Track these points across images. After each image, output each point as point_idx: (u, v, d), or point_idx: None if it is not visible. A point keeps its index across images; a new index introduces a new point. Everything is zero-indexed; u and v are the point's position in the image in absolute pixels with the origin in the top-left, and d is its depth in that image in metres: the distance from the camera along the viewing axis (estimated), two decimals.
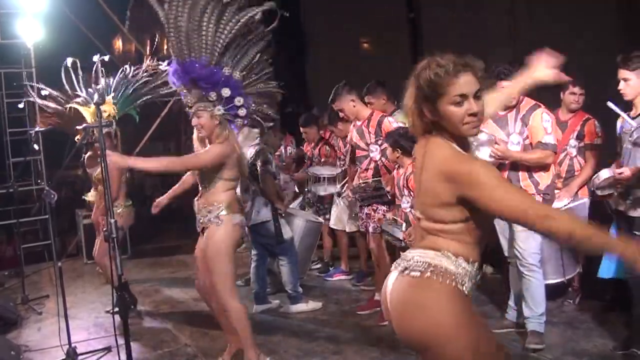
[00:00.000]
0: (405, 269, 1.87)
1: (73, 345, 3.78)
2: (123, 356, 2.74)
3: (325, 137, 6.01)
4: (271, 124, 3.85)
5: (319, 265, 5.95)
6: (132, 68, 5.05)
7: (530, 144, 3.56)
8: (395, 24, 7.02)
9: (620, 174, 3.18)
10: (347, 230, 5.40)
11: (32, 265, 6.81)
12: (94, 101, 3.47)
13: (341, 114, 4.67)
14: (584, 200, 4.15)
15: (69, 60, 4.85)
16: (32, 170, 7.60)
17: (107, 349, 4.01)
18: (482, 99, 1.83)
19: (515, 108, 3.62)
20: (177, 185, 3.95)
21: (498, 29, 5.67)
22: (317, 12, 7.90)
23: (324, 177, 5.48)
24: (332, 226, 5.65)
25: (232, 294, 3.39)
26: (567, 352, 3.53)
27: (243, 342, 3.47)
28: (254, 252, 4.77)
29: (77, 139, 4.77)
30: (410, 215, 3.91)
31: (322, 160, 5.92)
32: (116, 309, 3.21)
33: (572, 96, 4.21)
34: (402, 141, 3.99)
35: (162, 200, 4.01)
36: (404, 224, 3.94)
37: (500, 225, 3.69)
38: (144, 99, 5.04)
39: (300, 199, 5.95)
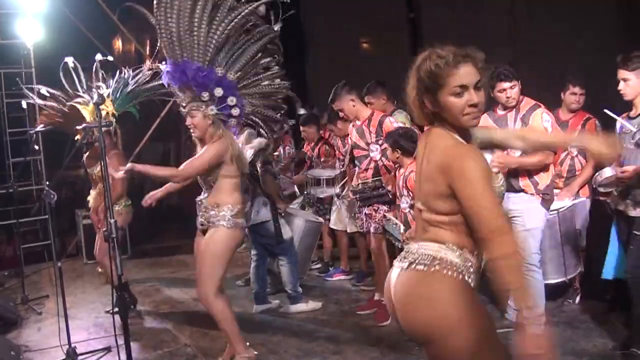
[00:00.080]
0: (410, 262, 1.87)
1: (73, 345, 3.78)
2: (123, 356, 2.74)
3: (325, 137, 6.01)
4: (283, 128, 3.87)
5: (318, 265, 5.95)
6: (132, 69, 5.06)
7: None
8: (395, 24, 7.02)
9: (623, 172, 3.18)
10: (349, 230, 5.39)
11: (32, 265, 6.81)
12: (94, 101, 3.47)
13: (341, 114, 4.67)
14: (584, 199, 4.15)
15: (69, 60, 4.86)
16: (32, 170, 7.60)
17: (107, 349, 4.01)
18: (482, 90, 1.83)
19: (515, 108, 3.62)
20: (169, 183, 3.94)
21: (498, 29, 5.67)
22: (317, 12, 7.89)
23: (323, 179, 5.47)
24: (332, 226, 5.65)
25: (216, 294, 3.39)
26: (567, 352, 3.53)
27: (230, 337, 3.49)
28: (253, 252, 4.77)
29: (77, 139, 4.77)
30: (409, 216, 3.91)
31: (322, 160, 5.92)
32: (116, 309, 3.22)
33: (573, 96, 4.22)
34: (402, 141, 4.00)
35: (156, 193, 3.95)
36: (402, 226, 3.94)
37: None
38: (144, 95, 5.04)
39: (301, 199, 5.95)
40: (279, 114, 3.77)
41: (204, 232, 3.48)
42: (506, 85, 3.54)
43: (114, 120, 4.80)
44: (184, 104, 3.44)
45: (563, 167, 4.27)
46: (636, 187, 3.17)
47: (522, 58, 4.89)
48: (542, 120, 3.54)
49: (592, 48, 4.49)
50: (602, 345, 3.57)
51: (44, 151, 7.11)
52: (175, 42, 3.35)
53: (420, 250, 1.86)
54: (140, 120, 5.49)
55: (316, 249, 5.73)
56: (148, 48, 8.77)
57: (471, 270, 1.85)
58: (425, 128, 1.99)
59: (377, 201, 4.33)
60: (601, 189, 3.45)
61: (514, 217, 3.58)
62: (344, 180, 5.36)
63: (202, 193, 3.57)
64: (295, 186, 6.22)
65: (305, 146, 6.19)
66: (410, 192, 3.95)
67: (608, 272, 3.55)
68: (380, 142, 4.34)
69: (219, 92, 3.39)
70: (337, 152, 5.73)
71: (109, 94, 4.79)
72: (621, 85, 3.27)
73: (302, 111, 5.48)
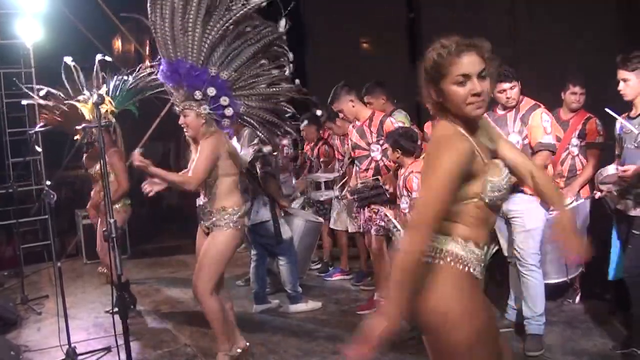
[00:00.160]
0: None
1: (73, 345, 3.78)
2: (123, 356, 2.74)
3: (324, 137, 6.01)
4: (288, 133, 3.86)
5: (318, 265, 5.95)
6: (131, 69, 5.07)
7: (530, 144, 3.56)
8: (395, 24, 7.02)
9: (624, 171, 3.18)
10: (350, 230, 5.39)
11: (32, 265, 6.82)
12: (94, 101, 3.47)
13: (341, 115, 4.66)
14: (584, 200, 4.15)
15: (68, 59, 4.86)
16: (32, 170, 7.60)
17: (107, 349, 4.01)
18: (488, 80, 1.82)
19: (514, 108, 3.62)
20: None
21: (498, 29, 5.66)
22: (317, 12, 7.89)
23: (322, 182, 5.47)
24: (332, 226, 5.65)
25: (212, 293, 3.41)
26: (567, 351, 3.53)
27: (217, 335, 3.50)
28: (253, 252, 4.77)
29: (77, 139, 4.77)
30: (408, 217, 3.90)
31: (321, 160, 5.93)
32: (116, 309, 3.22)
33: (573, 96, 4.21)
34: (402, 141, 4.00)
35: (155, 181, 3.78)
36: (402, 230, 3.92)
37: (498, 226, 3.69)
38: (143, 93, 5.05)
39: (301, 199, 5.95)
40: (282, 118, 3.76)
41: (207, 233, 3.49)
42: (506, 85, 3.54)
43: (113, 118, 4.80)
44: (177, 103, 3.44)
45: (564, 167, 4.26)
46: (636, 186, 3.17)
47: (522, 58, 4.88)
48: (542, 120, 3.54)
49: (592, 48, 4.49)
50: (602, 345, 3.57)
51: (43, 151, 7.12)
52: (169, 41, 3.36)
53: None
54: (140, 120, 5.49)
55: (316, 249, 5.73)
56: (147, 48, 8.78)
57: (477, 262, 1.85)
58: (427, 124, 2.03)
59: (375, 201, 4.32)
60: (603, 187, 3.45)
61: (513, 217, 3.58)
62: (343, 181, 5.36)
63: (202, 197, 3.54)
64: (293, 186, 6.21)
65: (305, 146, 6.19)
66: (410, 192, 3.94)
67: (612, 272, 3.54)
68: (381, 142, 4.34)
69: (211, 91, 3.40)
70: (336, 152, 5.74)
71: (107, 92, 4.80)
72: (621, 86, 3.27)
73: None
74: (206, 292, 3.38)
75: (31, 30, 6.88)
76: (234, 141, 4.53)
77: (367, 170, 4.42)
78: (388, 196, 4.26)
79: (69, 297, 4.36)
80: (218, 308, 3.43)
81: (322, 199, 5.52)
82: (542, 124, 3.53)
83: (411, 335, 3.82)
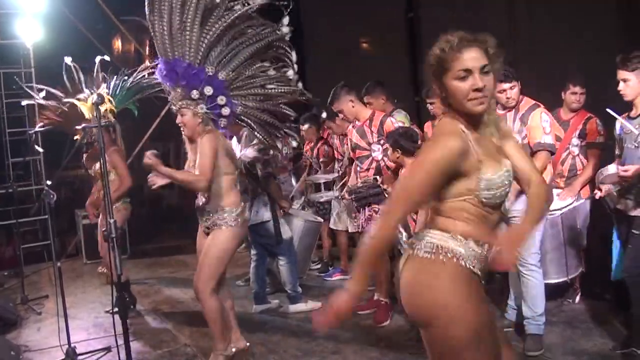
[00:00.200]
0: (417, 249, 1.89)
1: (73, 345, 3.79)
2: (123, 356, 2.74)
3: (324, 137, 6.01)
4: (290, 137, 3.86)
5: (318, 265, 5.95)
6: (131, 70, 5.08)
7: (529, 144, 3.56)
8: (395, 24, 7.01)
9: (625, 171, 3.18)
10: (350, 230, 5.39)
11: (32, 265, 6.82)
12: (93, 101, 3.47)
13: (341, 115, 4.66)
14: (585, 200, 4.15)
15: (68, 60, 4.86)
16: (32, 170, 7.61)
17: (107, 349, 4.01)
18: (491, 75, 1.81)
19: (514, 108, 3.62)
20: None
21: (498, 29, 5.65)
22: (318, 12, 7.89)
23: (322, 184, 5.46)
24: (332, 226, 5.65)
25: (212, 292, 3.42)
26: (567, 351, 3.53)
27: (214, 334, 3.51)
28: (253, 252, 4.77)
29: (76, 139, 4.77)
30: (408, 218, 3.89)
31: (321, 160, 5.92)
32: (116, 309, 3.22)
33: (573, 96, 4.22)
34: (402, 141, 3.99)
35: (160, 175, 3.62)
36: (404, 233, 3.90)
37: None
38: (143, 92, 5.05)
39: (302, 200, 5.95)
40: (281, 120, 3.75)
41: (208, 233, 3.49)
42: (506, 86, 3.54)
43: (113, 117, 4.81)
44: (174, 102, 3.45)
45: (564, 167, 4.26)
46: (637, 186, 3.17)
47: (522, 58, 4.88)
48: (541, 120, 3.54)
49: (592, 48, 4.48)
50: (602, 345, 3.57)
51: (43, 151, 7.11)
52: (167, 40, 3.37)
53: (426, 238, 1.87)
54: (140, 119, 5.50)
55: (316, 249, 5.73)
56: (147, 48, 8.77)
57: (477, 260, 1.85)
58: (427, 124, 2.03)
59: (373, 200, 4.31)
60: (603, 187, 3.44)
61: (513, 217, 3.57)
62: (343, 181, 5.36)
63: (199, 198, 3.53)
64: (293, 185, 6.21)
65: (305, 146, 6.19)
66: None
67: (616, 273, 3.54)
68: (382, 142, 4.34)
69: (208, 90, 3.40)
70: (335, 152, 5.73)
71: (107, 91, 4.80)
72: (621, 86, 3.27)
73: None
74: (207, 292, 3.39)
75: (31, 30, 6.88)
76: (234, 141, 4.54)
77: (368, 170, 4.41)
78: (386, 196, 4.25)
79: (69, 297, 4.36)
80: (217, 308, 3.44)
81: (322, 200, 5.52)
82: (542, 124, 3.53)
83: (411, 335, 3.84)
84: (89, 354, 3.97)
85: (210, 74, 3.41)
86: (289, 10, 3.60)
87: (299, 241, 5.09)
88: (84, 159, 5.06)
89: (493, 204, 1.85)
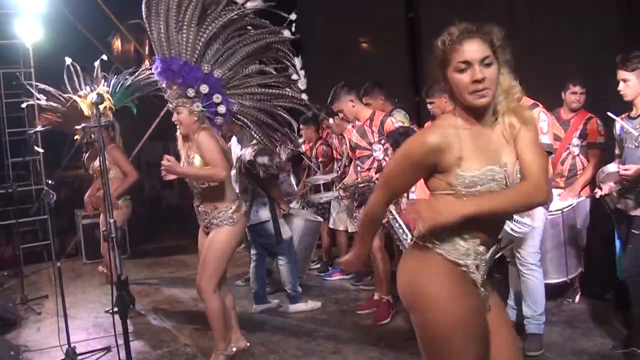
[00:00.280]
0: (415, 238, 1.93)
1: (72, 345, 3.78)
2: (123, 356, 2.73)
3: (323, 137, 6.01)
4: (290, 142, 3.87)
5: (318, 265, 5.95)
6: (131, 70, 5.08)
7: None
8: (395, 23, 7.01)
9: (626, 170, 3.18)
10: (350, 230, 5.39)
11: (32, 265, 6.82)
12: (93, 101, 3.48)
13: (340, 115, 4.66)
14: (584, 198, 4.15)
15: (68, 61, 4.86)
16: (31, 170, 7.61)
17: (107, 349, 4.01)
18: (493, 67, 1.79)
19: None
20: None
21: None
22: (316, 12, 7.88)
23: (321, 185, 5.47)
24: (331, 226, 5.65)
25: (215, 291, 3.44)
26: (567, 351, 3.53)
27: (215, 333, 3.52)
28: (253, 251, 4.77)
29: (76, 139, 4.77)
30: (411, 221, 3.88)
31: (319, 160, 5.92)
32: (115, 309, 3.22)
33: (574, 95, 4.21)
34: (402, 140, 3.96)
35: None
36: (408, 233, 3.89)
37: None
38: (142, 90, 5.05)
39: (302, 199, 5.94)
40: (279, 121, 3.75)
41: (208, 232, 3.49)
42: None
43: (111, 114, 4.81)
44: (170, 100, 3.45)
45: (564, 167, 4.26)
46: (637, 186, 3.17)
47: (522, 58, 4.87)
48: (539, 119, 3.53)
49: (592, 48, 4.48)
50: (602, 344, 3.57)
51: (43, 151, 7.12)
52: (164, 39, 3.37)
53: (419, 228, 1.90)
54: (140, 119, 5.50)
55: (315, 249, 5.73)
56: (147, 48, 8.77)
57: (463, 254, 1.85)
58: (427, 123, 2.04)
59: (367, 197, 4.32)
60: (604, 186, 3.44)
61: (513, 216, 3.58)
62: (343, 181, 5.35)
63: (195, 199, 3.53)
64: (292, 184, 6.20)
65: (304, 145, 6.18)
66: (408, 192, 3.93)
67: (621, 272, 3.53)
68: (382, 141, 4.33)
69: (204, 89, 3.41)
70: (334, 152, 5.73)
71: (107, 89, 4.80)
72: (621, 86, 3.27)
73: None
74: (209, 290, 3.41)
75: (31, 30, 6.88)
76: (234, 141, 4.55)
77: (369, 170, 4.41)
78: None
79: (68, 297, 4.36)
80: (220, 307, 3.45)
81: (321, 201, 5.52)
82: (540, 123, 3.52)
83: (411, 334, 3.83)
84: (89, 354, 3.97)
85: (207, 72, 3.42)
86: (289, 20, 3.61)
87: (299, 241, 5.09)
88: (84, 158, 5.06)
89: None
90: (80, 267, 6.92)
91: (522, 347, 3.53)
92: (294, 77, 3.70)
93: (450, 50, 1.79)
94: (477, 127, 1.85)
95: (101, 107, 4.19)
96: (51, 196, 4.21)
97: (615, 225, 3.45)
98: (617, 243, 3.48)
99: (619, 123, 3.37)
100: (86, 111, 4.71)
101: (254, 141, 4.07)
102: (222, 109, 3.48)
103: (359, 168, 4.52)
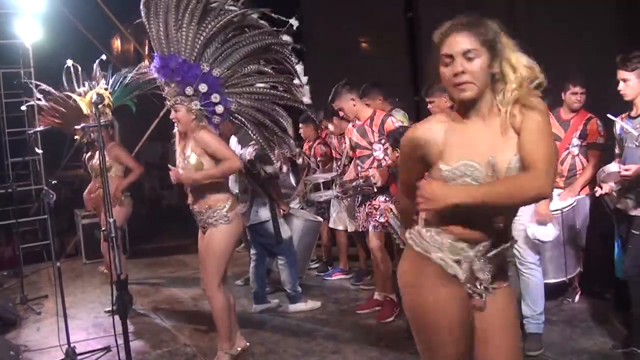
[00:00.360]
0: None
1: (72, 345, 3.78)
2: (122, 356, 2.73)
3: (322, 137, 6.01)
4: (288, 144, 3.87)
5: (318, 265, 5.95)
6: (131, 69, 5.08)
7: None
8: (395, 23, 7.01)
9: (626, 170, 3.18)
10: (349, 230, 5.39)
11: (31, 265, 6.82)
12: (93, 100, 3.48)
13: (341, 114, 4.65)
14: (584, 197, 4.15)
15: (69, 62, 4.87)
16: (31, 170, 7.60)
17: (107, 349, 4.01)
18: (479, 60, 1.75)
19: None
20: None
21: None
22: (316, 12, 7.88)
23: (321, 183, 5.47)
24: (331, 226, 5.64)
25: (219, 287, 3.46)
26: (567, 350, 3.53)
27: (219, 332, 3.54)
28: (253, 251, 4.77)
29: (76, 139, 4.77)
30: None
31: (318, 159, 5.92)
32: (113, 308, 3.22)
33: (574, 96, 4.21)
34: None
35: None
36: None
37: None
38: (141, 89, 5.05)
39: (302, 198, 5.95)
40: (277, 122, 3.75)
41: (205, 232, 3.50)
42: None
43: (110, 112, 4.81)
44: (168, 98, 3.46)
45: (564, 166, 4.26)
46: (637, 186, 3.17)
47: None
48: None
49: (592, 48, 4.48)
50: (602, 344, 3.57)
51: (42, 151, 7.12)
52: (163, 36, 3.37)
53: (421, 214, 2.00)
54: (139, 119, 5.49)
55: (315, 249, 5.73)
56: (147, 47, 8.77)
57: (436, 248, 1.87)
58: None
59: (364, 191, 4.33)
60: (605, 185, 3.44)
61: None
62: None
63: (189, 198, 3.53)
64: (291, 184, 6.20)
65: (304, 145, 6.19)
66: None
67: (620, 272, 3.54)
68: (383, 141, 4.33)
69: (203, 87, 3.41)
70: (333, 151, 5.73)
71: (106, 87, 4.81)
72: (621, 86, 3.27)
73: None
74: (213, 288, 3.44)
75: (30, 30, 6.88)
76: (234, 141, 4.54)
77: (369, 169, 4.41)
78: (375, 190, 4.25)
79: (68, 297, 4.36)
80: (225, 305, 3.48)
81: (321, 200, 5.52)
82: None
83: (411, 334, 3.83)
84: (89, 354, 3.97)
85: (205, 70, 3.42)
86: (289, 24, 3.60)
87: (298, 240, 5.09)
88: (84, 158, 5.06)
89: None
90: (80, 267, 6.92)
91: (522, 346, 3.54)
92: (295, 81, 3.69)
93: (439, 44, 1.81)
94: (470, 121, 1.84)
95: (100, 106, 4.19)
96: (51, 196, 4.21)
97: (615, 225, 3.45)
98: (616, 243, 3.48)
99: (619, 124, 3.37)
100: (85, 110, 4.71)
101: (253, 141, 4.07)
102: (219, 108, 3.48)
103: (359, 167, 4.52)
